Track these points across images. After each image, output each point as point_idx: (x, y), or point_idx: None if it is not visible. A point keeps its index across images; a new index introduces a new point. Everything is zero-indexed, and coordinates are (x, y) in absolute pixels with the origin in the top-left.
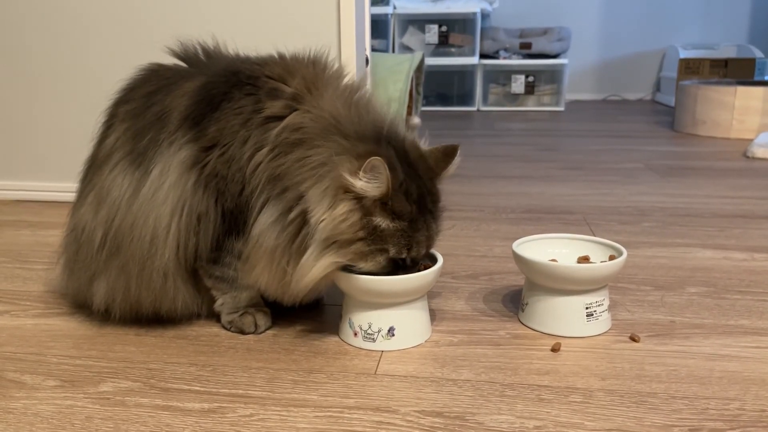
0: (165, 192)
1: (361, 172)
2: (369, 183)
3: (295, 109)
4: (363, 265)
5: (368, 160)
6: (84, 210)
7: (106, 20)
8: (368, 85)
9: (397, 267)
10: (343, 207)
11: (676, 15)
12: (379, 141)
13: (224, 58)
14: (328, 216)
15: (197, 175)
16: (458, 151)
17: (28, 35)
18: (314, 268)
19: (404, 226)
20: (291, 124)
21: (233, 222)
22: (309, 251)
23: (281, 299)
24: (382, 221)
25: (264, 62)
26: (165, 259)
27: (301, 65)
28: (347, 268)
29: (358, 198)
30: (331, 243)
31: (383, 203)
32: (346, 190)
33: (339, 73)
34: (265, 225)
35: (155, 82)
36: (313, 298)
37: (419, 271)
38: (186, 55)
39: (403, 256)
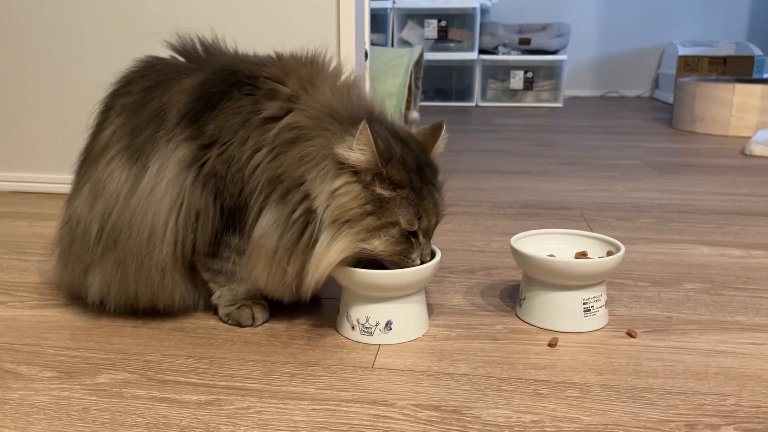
0: (163, 189)
1: (354, 145)
2: (359, 153)
3: (292, 110)
4: (377, 243)
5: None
6: (79, 202)
7: (102, 12)
8: (365, 82)
9: (411, 247)
10: (341, 180)
11: (675, 12)
12: (371, 121)
13: (223, 55)
14: (331, 195)
15: (196, 173)
16: (444, 126)
17: (24, 26)
18: (329, 254)
19: (408, 194)
20: (288, 123)
21: (232, 219)
22: (320, 239)
23: (282, 298)
24: (384, 191)
25: (262, 62)
26: (163, 255)
27: (299, 65)
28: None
29: (356, 172)
30: (342, 223)
31: (380, 173)
32: (342, 167)
33: (337, 71)
34: (266, 227)
35: (153, 76)
36: (308, 298)
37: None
38: (184, 49)
39: (415, 227)
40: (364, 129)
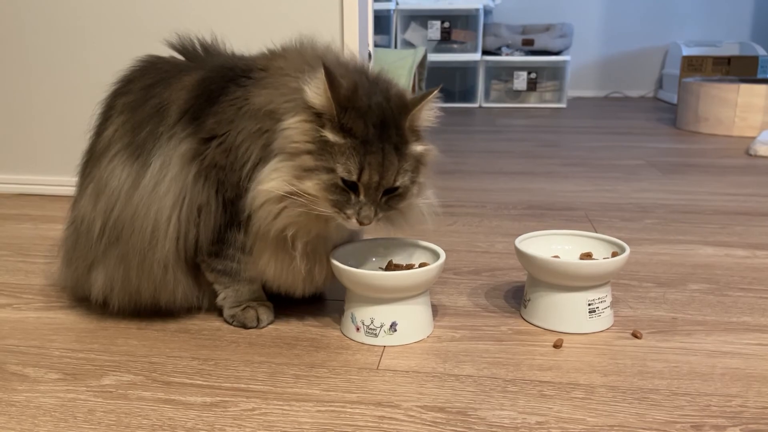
0: (166, 185)
1: (313, 87)
2: (316, 95)
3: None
4: (309, 185)
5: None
6: (83, 202)
7: (104, 13)
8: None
9: (347, 201)
10: (298, 117)
11: (678, 12)
12: (355, 72)
13: (222, 55)
14: (286, 128)
15: (197, 167)
16: (435, 93)
17: (27, 29)
18: (266, 182)
19: (355, 144)
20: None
21: (234, 213)
22: (266, 166)
23: (293, 290)
24: (331, 135)
25: (256, 57)
26: (165, 251)
27: (287, 51)
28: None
29: (317, 113)
30: (285, 155)
31: (333, 119)
32: (306, 105)
33: (329, 50)
34: None
35: (153, 74)
36: (321, 288)
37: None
38: (184, 48)
39: (353, 177)
40: (322, 73)
